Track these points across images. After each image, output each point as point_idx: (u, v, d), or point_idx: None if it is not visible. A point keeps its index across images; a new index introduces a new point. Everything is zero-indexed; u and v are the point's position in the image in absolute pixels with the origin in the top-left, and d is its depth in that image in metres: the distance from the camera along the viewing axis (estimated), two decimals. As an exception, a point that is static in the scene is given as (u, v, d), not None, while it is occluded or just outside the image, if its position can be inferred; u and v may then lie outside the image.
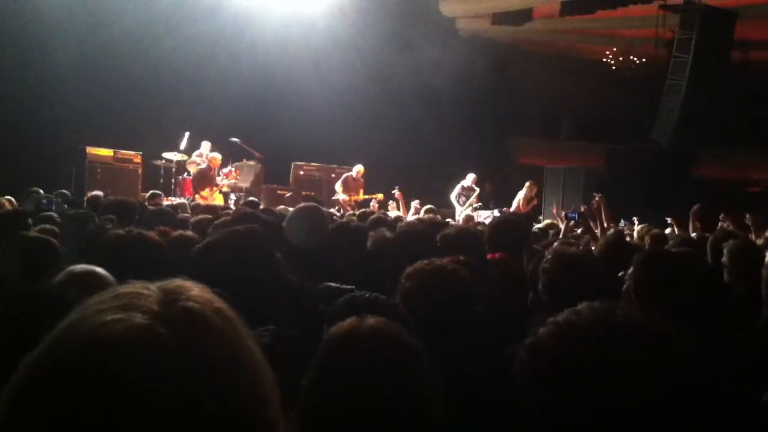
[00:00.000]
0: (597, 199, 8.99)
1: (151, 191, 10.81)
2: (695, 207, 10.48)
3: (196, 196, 14.16)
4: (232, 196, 14.43)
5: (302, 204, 4.98)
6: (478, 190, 15.69)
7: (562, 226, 9.00)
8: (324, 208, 5.19)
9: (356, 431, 1.56)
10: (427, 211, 10.99)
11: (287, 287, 3.18)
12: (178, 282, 0.89)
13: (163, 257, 3.34)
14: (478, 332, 2.76)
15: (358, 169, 15.81)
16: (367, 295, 2.48)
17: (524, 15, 18.49)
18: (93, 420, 0.73)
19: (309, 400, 1.64)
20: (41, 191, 9.24)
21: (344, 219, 8.21)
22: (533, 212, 15.24)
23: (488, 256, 4.64)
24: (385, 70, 18.09)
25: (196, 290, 0.88)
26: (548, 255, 3.61)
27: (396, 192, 14.84)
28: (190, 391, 0.77)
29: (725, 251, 5.17)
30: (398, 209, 13.74)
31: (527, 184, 15.26)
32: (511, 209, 14.72)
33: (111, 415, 0.73)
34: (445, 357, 2.53)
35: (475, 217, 13.69)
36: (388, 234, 4.51)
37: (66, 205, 8.21)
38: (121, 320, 0.79)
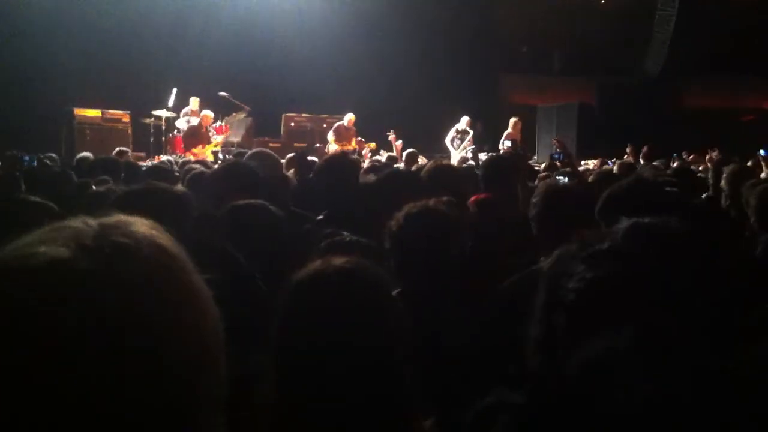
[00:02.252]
0: (554, 142, 9.23)
1: (118, 148, 10.61)
2: (645, 148, 11.29)
3: (187, 153, 14.05)
4: (220, 156, 14.11)
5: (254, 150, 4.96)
6: (472, 132, 15.55)
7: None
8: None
9: (323, 369, 1.57)
10: (408, 156, 10.84)
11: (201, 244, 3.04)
12: (121, 218, 0.88)
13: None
14: (462, 273, 2.77)
15: (349, 117, 15.65)
16: (348, 238, 2.45)
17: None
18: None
19: (277, 341, 1.64)
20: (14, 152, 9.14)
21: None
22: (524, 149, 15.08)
23: (482, 195, 4.65)
24: (369, 13, 17.80)
25: (138, 226, 0.87)
26: (538, 189, 3.60)
27: (391, 135, 14.74)
28: (108, 324, 0.76)
29: (724, 175, 5.20)
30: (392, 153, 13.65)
31: (512, 121, 15.07)
32: (501, 148, 14.57)
33: (17, 346, 0.74)
34: (430, 298, 2.55)
35: (470, 159, 13.63)
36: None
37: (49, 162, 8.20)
38: (43, 253, 0.78)
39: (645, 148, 11.65)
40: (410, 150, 11.43)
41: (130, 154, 10.35)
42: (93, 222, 0.85)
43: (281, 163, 4.89)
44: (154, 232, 0.88)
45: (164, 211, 2.67)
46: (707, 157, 10.18)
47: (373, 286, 1.70)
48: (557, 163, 8.57)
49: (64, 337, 0.74)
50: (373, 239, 3.00)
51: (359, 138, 15.15)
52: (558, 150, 8.03)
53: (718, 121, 18.27)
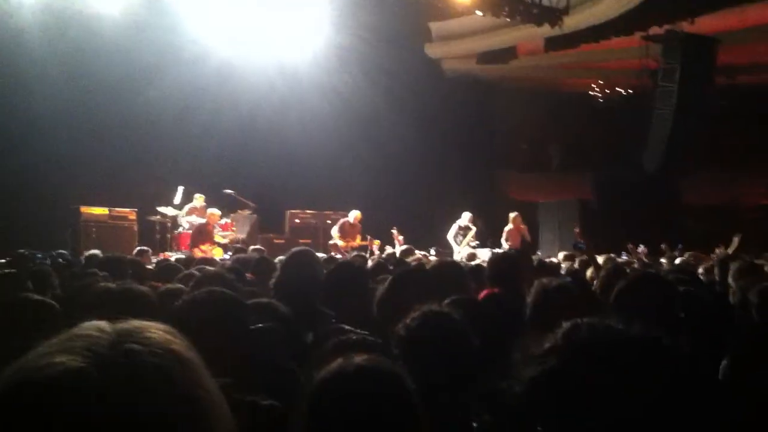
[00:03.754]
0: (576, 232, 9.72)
1: (138, 248, 10.76)
2: (629, 244, 12.35)
3: (195, 250, 14.10)
4: (227, 254, 14.05)
5: (294, 249, 4.94)
6: (474, 228, 15.65)
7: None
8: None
9: None
10: (402, 252, 10.95)
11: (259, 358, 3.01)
12: (136, 323, 0.89)
13: (149, 308, 3.32)
14: (472, 370, 2.78)
15: (354, 214, 15.80)
16: (355, 337, 2.46)
17: (509, 53, 18.68)
18: None
19: None
20: (23, 251, 9.19)
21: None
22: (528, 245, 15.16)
23: (492, 290, 4.68)
24: (372, 114, 18.17)
25: (152, 332, 0.88)
26: (532, 289, 3.67)
27: (394, 231, 14.85)
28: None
29: (731, 271, 5.23)
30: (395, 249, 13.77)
31: (511, 216, 15.21)
32: (503, 244, 14.68)
33: None
34: (440, 398, 2.55)
35: (477, 255, 13.69)
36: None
37: (60, 260, 8.25)
38: (58, 363, 0.80)
39: (631, 246, 12.62)
40: (406, 246, 11.63)
41: (150, 252, 10.44)
42: (108, 328, 0.87)
43: (318, 263, 4.88)
44: (168, 337, 0.89)
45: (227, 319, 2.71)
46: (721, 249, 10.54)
47: (396, 378, 1.72)
48: (577, 252, 8.78)
49: None
50: (380, 337, 3.01)
51: (368, 236, 15.20)
52: (580, 240, 8.25)
53: (718, 216, 18.43)
